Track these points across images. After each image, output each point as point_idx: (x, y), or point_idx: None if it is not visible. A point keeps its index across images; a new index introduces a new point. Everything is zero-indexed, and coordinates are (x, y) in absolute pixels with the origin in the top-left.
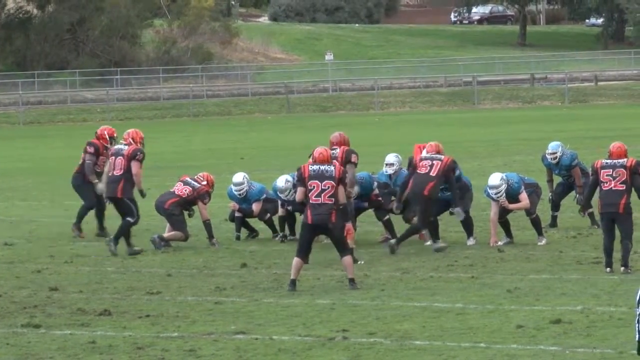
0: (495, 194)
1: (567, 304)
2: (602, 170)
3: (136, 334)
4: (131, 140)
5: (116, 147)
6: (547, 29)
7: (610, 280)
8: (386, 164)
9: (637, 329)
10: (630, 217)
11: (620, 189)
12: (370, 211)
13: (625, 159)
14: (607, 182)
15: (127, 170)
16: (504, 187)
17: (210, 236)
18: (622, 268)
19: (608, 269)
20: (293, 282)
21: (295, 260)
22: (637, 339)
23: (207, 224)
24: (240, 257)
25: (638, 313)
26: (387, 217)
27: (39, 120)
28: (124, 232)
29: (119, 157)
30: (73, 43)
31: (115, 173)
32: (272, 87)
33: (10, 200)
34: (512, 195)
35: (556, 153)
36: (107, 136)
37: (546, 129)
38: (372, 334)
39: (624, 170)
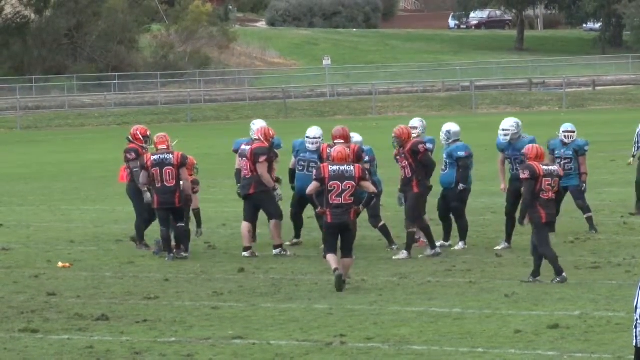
0: (504, 135)
1: (565, 309)
2: (543, 179)
3: (134, 339)
4: (169, 145)
5: (155, 157)
6: (545, 33)
7: (608, 285)
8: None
9: (634, 334)
10: None
11: (554, 197)
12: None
13: (556, 167)
14: (547, 192)
15: (180, 178)
16: (513, 131)
17: (199, 225)
18: (558, 278)
19: (564, 275)
20: (337, 270)
21: (329, 256)
22: (634, 344)
23: (196, 213)
24: (237, 262)
25: (635, 318)
26: (381, 223)
27: (37, 125)
28: (185, 239)
29: (167, 167)
30: (71, 48)
31: (167, 184)
32: (270, 92)
33: (7, 205)
34: (519, 148)
35: (574, 132)
36: (140, 136)
37: (544, 133)
38: (369, 339)
39: (558, 180)
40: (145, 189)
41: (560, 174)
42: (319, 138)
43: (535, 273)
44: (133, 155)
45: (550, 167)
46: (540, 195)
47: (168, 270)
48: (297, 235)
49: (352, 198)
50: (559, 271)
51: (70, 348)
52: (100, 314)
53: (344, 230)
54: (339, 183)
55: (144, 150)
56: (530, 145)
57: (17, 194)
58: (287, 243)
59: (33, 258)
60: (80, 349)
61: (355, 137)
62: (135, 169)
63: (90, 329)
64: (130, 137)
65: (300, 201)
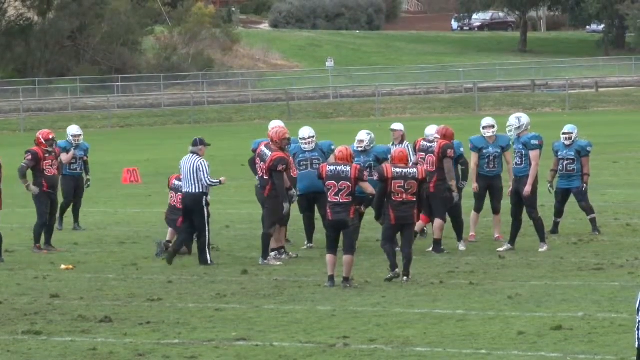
0: (508, 132)
1: (568, 310)
2: (393, 181)
3: (137, 341)
4: None
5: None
6: (548, 35)
7: (611, 286)
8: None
9: (637, 335)
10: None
11: (412, 200)
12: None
13: (415, 169)
14: (398, 194)
15: None
16: (515, 125)
17: None
18: (405, 278)
19: (397, 270)
20: (331, 278)
21: (328, 257)
22: (637, 345)
23: None
24: (240, 263)
25: (638, 320)
26: None
27: (40, 127)
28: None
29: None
30: (74, 50)
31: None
32: (273, 94)
33: (10, 207)
34: (526, 144)
35: (572, 133)
36: (43, 140)
37: (547, 135)
38: (373, 340)
39: (416, 182)
40: (27, 183)
41: (417, 177)
42: (314, 137)
43: (406, 270)
44: (29, 156)
45: (405, 170)
46: (392, 197)
47: (171, 272)
48: (309, 239)
49: (350, 197)
50: (392, 266)
51: (74, 350)
52: (104, 316)
53: (343, 227)
54: (334, 183)
55: (47, 154)
56: (398, 148)
57: (20, 196)
58: (303, 247)
59: (36, 260)
60: (84, 351)
61: (361, 135)
62: (22, 164)
63: (94, 330)
64: (35, 142)
65: (308, 202)
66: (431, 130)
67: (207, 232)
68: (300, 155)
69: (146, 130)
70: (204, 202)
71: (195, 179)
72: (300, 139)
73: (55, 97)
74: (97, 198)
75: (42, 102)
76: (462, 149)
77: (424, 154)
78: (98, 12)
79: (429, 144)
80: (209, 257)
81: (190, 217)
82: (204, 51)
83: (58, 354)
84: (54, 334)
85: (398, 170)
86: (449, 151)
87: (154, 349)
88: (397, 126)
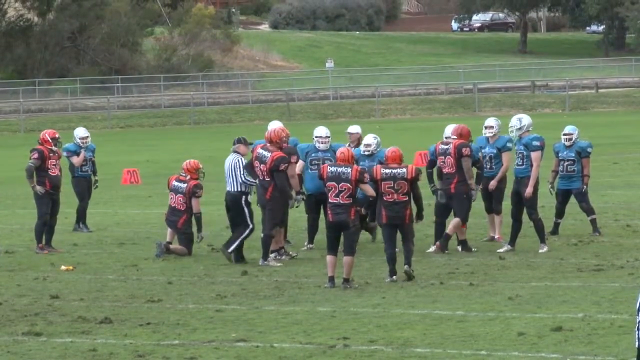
0: (510, 131)
1: (568, 311)
2: (382, 183)
3: (137, 342)
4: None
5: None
6: (548, 36)
7: (611, 287)
8: (486, 127)
9: (637, 336)
10: (412, 223)
11: (404, 200)
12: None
13: (404, 169)
14: (388, 194)
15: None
16: (516, 126)
17: (199, 229)
18: (406, 267)
19: (394, 277)
20: (331, 279)
21: (328, 258)
22: (637, 345)
23: (197, 217)
24: (240, 264)
25: (638, 320)
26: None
27: (40, 128)
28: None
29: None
30: (74, 51)
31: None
32: (273, 95)
33: (10, 209)
34: (525, 144)
35: (572, 134)
36: (49, 139)
37: (547, 136)
38: (372, 341)
39: (405, 182)
40: (33, 184)
41: (406, 176)
42: (329, 137)
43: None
44: (35, 154)
45: (395, 170)
46: (383, 198)
47: (171, 273)
48: (310, 241)
49: (350, 198)
50: (391, 272)
51: (74, 351)
52: (104, 317)
53: (343, 228)
54: (335, 184)
55: (51, 154)
56: (391, 148)
57: (20, 197)
58: (304, 248)
59: (36, 261)
60: (84, 352)
61: (367, 140)
62: (30, 164)
63: (94, 332)
64: (39, 141)
65: (316, 203)
66: (449, 131)
67: (248, 230)
68: (313, 154)
69: (146, 131)
70: (242, 201)
71: (234, 177)
72: (317, 137)
73: (55, 98)
74: (97, 199)
75: (42, 103)
76: (479, 153)
77: (444, 157)
78: (98, 13)
79: (445, 147)
80: (233, 247)
81: (231, 215)
82: (204, 52)
83: (58, 355)
84: (54, 335)
85: (387, 171)
86: (464, 150)
87: (154, 350)
88: (354, 129)
